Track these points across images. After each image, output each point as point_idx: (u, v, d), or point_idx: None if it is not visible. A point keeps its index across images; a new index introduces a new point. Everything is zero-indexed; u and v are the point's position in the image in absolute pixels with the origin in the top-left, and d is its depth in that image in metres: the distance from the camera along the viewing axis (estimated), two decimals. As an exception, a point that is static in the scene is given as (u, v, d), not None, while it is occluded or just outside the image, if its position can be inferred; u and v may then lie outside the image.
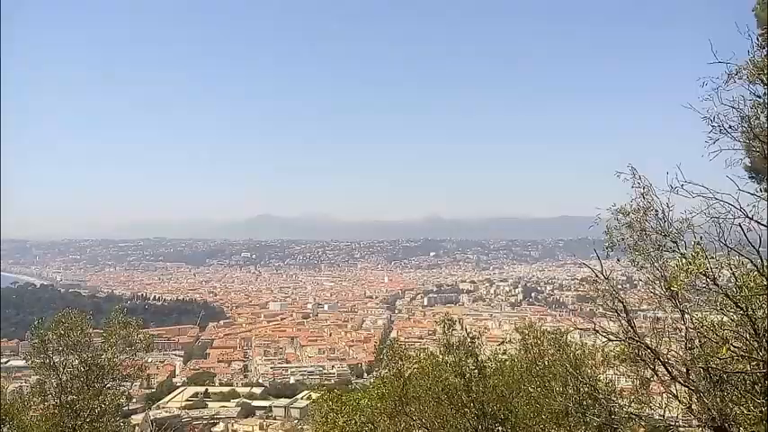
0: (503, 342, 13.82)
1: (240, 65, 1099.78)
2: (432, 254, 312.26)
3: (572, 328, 11.51)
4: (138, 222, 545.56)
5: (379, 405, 12.60)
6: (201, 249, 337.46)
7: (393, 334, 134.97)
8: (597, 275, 8.16)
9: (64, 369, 14.61)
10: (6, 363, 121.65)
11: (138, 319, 16.68)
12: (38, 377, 15.13)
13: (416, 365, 12.89)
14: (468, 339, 12.54)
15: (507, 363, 12.55)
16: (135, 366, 15.90)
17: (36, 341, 15.02)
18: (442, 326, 13.03)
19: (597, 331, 8.19)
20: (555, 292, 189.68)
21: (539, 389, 11.04)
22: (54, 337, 14.77)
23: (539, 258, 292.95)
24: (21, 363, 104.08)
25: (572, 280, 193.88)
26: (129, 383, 16.82)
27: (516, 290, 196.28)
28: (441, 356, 12.68)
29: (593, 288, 9.27)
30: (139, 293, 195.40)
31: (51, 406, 14.38)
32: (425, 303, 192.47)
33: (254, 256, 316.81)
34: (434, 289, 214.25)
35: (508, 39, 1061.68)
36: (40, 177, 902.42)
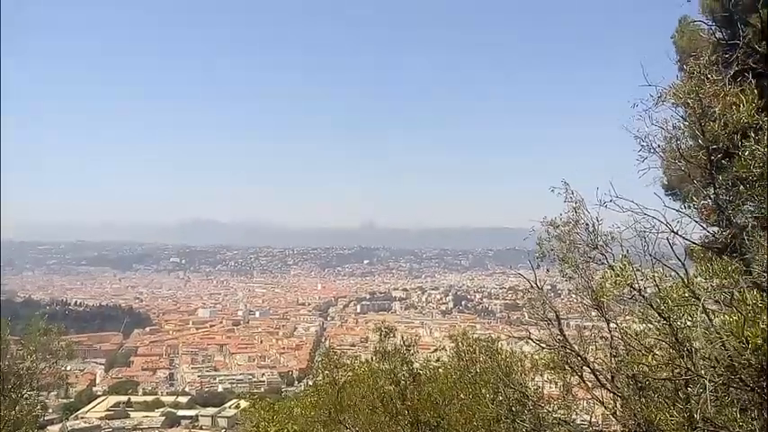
0: (436, 349, 14.03)
1: (188, 65, 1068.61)
2: (365, 261, 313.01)
3: (504, 336, 11.83)
4: (59, 224, 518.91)
5: (312, 413, 12.52)
6: (128, 254, 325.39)
7: (325, 341, 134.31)
8: (531, 285, 8.45)
9: (-24, 379, 13.77)
10: None
11: (58, 325, 15.93)
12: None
13: (351, 373, 12.88)
14: (404, 347, 12.68)
15: (441, 370, 12.74)
16: (55, 375, 15.19)
17: (-55, 349, 14.09)
18: (378, 333, 13.11)
19: (531, 339, 8.47)
20: (484, 300, 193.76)
21: (471, 396, 11.27)
22: (-33, 343, 13.92)
23: (469, 267, 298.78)
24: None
25: (500, 288, 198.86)
26: (47, 393, 16.00)
27: (447, 298, 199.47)
28: (376, 364, 12.74)
29: (524, 296, 9.60)
30: (59, 298, 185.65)
31: (-39, 417, 13.50)
32: (358, 311, 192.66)
33: (184, 261, 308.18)
34: (367, 296, 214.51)
35: (442, 47, 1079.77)
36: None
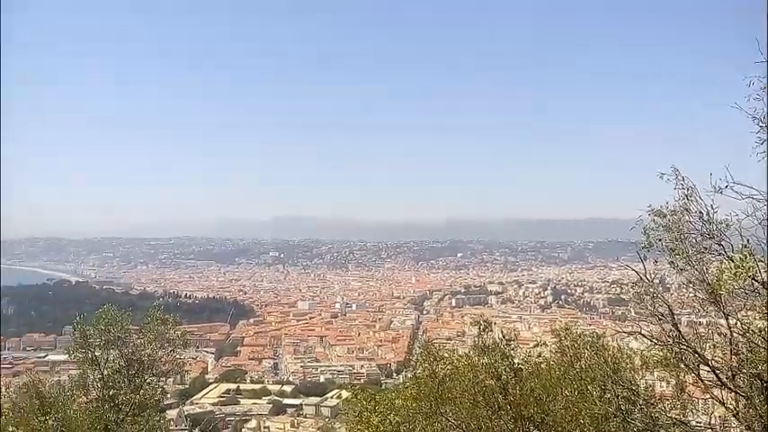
0: (537, 345, 13.70)
1: (268, 63, 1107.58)
2: (458, 255, 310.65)
3: (610, 332, 11.39)
4: (168, 221, 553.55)
5: (414, 405, 12.62)
6: (230, 248, 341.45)
7: (422, 334, 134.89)
8: (641, 277, 8.09)
9: (105, 363, 14.97)
10: (45, 357, 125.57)
11: (173, 316, 16.96)
12: (80, 371, 15.49)
13: (451, 366, 12.87)
14: (503, 341, 12.50)
15: (543, 366, 12.46)
16: (172, 362, 16.17)
17: (78, 336, 15.38)
18: (477, 327, 12.99)
19: (642, 334, 8.11)
20: (585, 294, 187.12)
21: (576, 392, 10.94)
22: (95, 332, 15.13)
23: (568, 260, 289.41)
24: (59, 357, 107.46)
25: (602, 282, 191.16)
26: (165, 379, 17.13)
27: (546, 292, 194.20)
28: (476, 358, 12.65)
29: (631, 290, 9.19)
30: (171, 291, 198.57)
31: (94, 399, 14.75)
32: (453, 304, 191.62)
33: (282, 255, 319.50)
34: (462, 290, 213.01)
35: (536, 35, 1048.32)
36: (69, 175, 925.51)
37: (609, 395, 9.32)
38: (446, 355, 13.61)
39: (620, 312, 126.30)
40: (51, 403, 14.61)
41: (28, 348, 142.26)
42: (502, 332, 13.33)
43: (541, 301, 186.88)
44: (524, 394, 11.49)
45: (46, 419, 14.10)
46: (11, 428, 14.79)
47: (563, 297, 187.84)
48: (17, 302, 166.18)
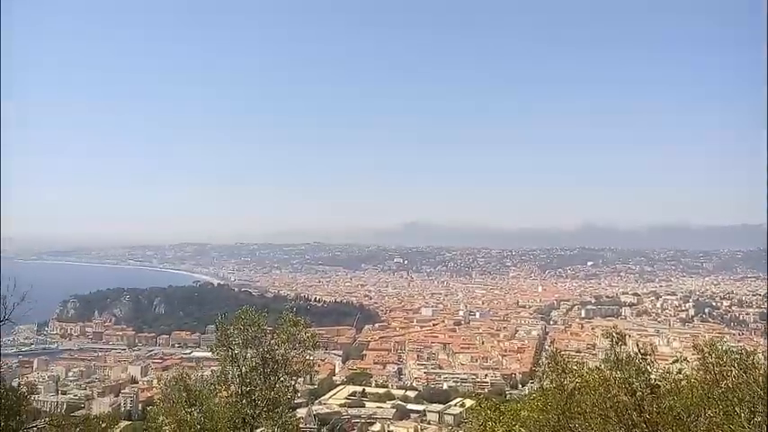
0: (675, 360, 12.76)
1: (398, 76, 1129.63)
2: (589, 263, 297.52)
3: (762, 350, 10.35)
4: (299, 228, 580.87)
5: (540, 417, 12.25)
6: (357, 254, 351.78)
7: (549, 346, 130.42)
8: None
9: (243, 361, 15.99)
10: (190, 353, 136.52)
11: (304, 318, 17.73)
12: (221, 367, 16.66)
13: (580, 379, 12.33)
14: (639, 355, 11.78)
15: (684, 383, 11.58)
16: (303, 363, 16.90)
17: (220, 334, 16.56)
18: (609, 339, 12.35)
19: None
20: (733, 308, 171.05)
21: (721, 413, 10.09)
22: (235, 331, 16.22)
23: (713, 271, 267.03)
24: (203, 354, 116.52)
25: (754, 295, 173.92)
26: (296, 378, 17.86)
27: (687, 305, 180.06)
28: (608, 371, 12.03)
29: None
30: (302, 294, 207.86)
31: (233, 394, 15.80)
32: (583, 315, 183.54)
33: (406, 261, 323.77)
34: (592, 300, 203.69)
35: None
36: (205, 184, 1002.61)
37: (759, 419, 8.49)
38: (575, 367, 13.07)
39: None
40: (196, 396, 15.86)
41: (176, 345, 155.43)
42: (637, 346, 12.58)
43: (682, 315, 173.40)
44: (662, 412, 10.74)
45: (192, 411, 15.35)
46: (161, 418, 16.22)
47: (707, 311, 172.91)
48: (167, 303, 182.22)
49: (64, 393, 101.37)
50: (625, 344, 12.67)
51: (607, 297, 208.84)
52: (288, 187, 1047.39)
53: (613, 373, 11.95)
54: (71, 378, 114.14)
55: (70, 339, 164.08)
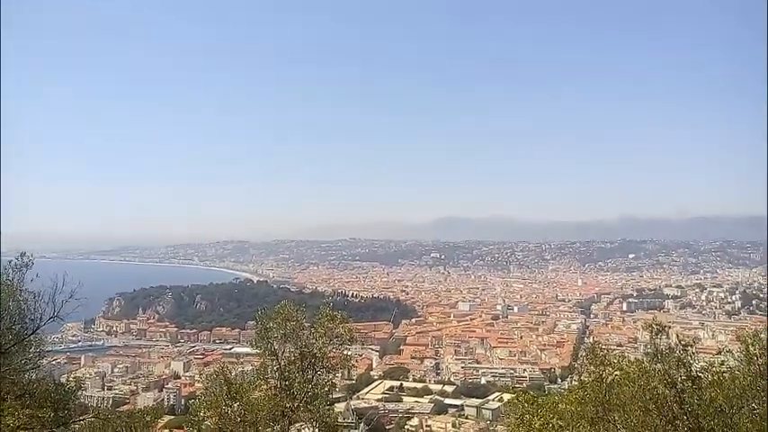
0: (719, 352, 12.48)
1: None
2: (630, 256, 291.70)
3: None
4: (336, 225, 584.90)
5: (578, 409, 12.12)
6: (393, 250, 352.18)
7: (589, 339, 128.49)
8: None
9: (282, 355, 16.23)
10: (231, 349, 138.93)
11: (341, 313, 17.87)
12: (261, 361, 16.94)
13: (620, 371, 12.17)
14: (680, 347, 11.55)
15: (726, 375, 11.31)
16: (341, 357, 17.06)
17: (259, 329, 16.84)
18: (649, 330, 12.15)
19: None
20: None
21: (765, 405, 9.84)
22: (274, 326, 16.46)
23: (761, 262, 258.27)
24: (243, 349, 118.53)
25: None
26: (334, 373, 18.02)
27: (733, 297, 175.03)
28: (647, 363, 11.84)
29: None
30: (339, 290, 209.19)
31: (272, 387, 16.06)
32: (624, 309, 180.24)
33: (442, 256, 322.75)
34: (634, 293, 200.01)
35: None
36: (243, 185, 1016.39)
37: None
38: (614, 359, 12.90)
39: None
40: (237, 390, 16.18)
41: (217, 341, 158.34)
42: (677, 337, 12.34)
43: (728, 307, 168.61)
44: (703, 405, 10.54)
45: (232, 404, 15.68)
46: (202, 411, 16.61)
47: (754, 303, 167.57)
48: (208, 299, 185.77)
49: (110, 389, 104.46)
50: (666, 335, 12.44)
51: (649, 290, 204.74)
52: (325, 184, 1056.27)
53: (653, 364, 11.76)
54: (117, 374, 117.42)
55: (116, 336, 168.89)
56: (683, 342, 12.07)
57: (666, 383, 11.00)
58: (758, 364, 10.86)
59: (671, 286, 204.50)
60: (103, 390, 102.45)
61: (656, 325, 12.56)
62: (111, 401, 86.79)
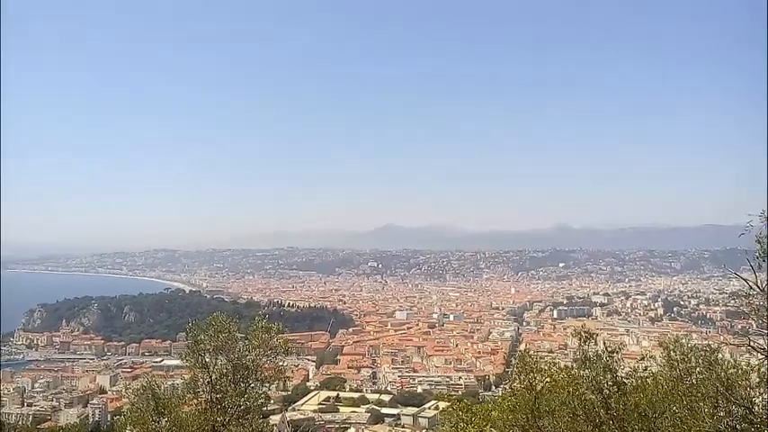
0: (642, 358, 13.00)
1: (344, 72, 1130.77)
2: (561, 264, 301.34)
3: (728, 346, 10.62)
4: (271, 233, 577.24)
5: (510, 417, 12.36)
6: (331, 259, 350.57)
7: (522, 347, 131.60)
8: (752, 287, 7.52)
9: (213, 368, 15.76)
10: (161, 362, 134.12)
11: (276, 324, 17.53)
12: (191, 374, 16.39)
13: (549, 379, 12.49)
14: (606, 353, 11.97)
15: (650, 380, 11.80)
16: (275, 369, 16.74)
17: (190, 342, 16.31)
18: (577, 338, 12.54)
19: (754, 348, 7.53)
20: (701, 306, 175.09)
21: (686, 409, 10.31)
22: (205, 338, 15.98)
23: (681, 270, 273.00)
24: (173, 362, 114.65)
25: (720, 294, 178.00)
26: (268, 385, 17.67)
27: (656, 304, 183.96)
28: (576, 370, 12.20)
29: (745, 303, 8.57)
30: (275, 300, 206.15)
31: (203, 402, 15.56)
32: (555, 316, 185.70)
33: (380, 265, 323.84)
34: (564, 301, 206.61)
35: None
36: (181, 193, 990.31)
37: (722, 413, 8.70)
38: (545, 367, 13.22)
39: (739, 327, 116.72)
40: (165, 404, 15.57)
41: (146, 354, 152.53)
42: (604, 344, 12.78)
43: (651, 314, 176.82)
44: (628, 409, 10.94)
45: (159, 420, 15.07)
46: (128, 428, 15.90)
47: (675, 309, 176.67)
48: (137, 310, 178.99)
49: (30, 405, 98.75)
50: (594, 342, 12.87)
51: (579, 298, 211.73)
52: (261, 192, 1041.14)
53: (582, 371, 12.13)
54: (37, 389, 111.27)
55: (36, 350, 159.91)
56: (609, 348, 12.53)
57: (594, 389, 11.37)
58: (679, 369, 11.38)
59: (598, 294, 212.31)
60: (23, 406, 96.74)
61: (585, 332, 13.00)
62: (31, 419, 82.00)
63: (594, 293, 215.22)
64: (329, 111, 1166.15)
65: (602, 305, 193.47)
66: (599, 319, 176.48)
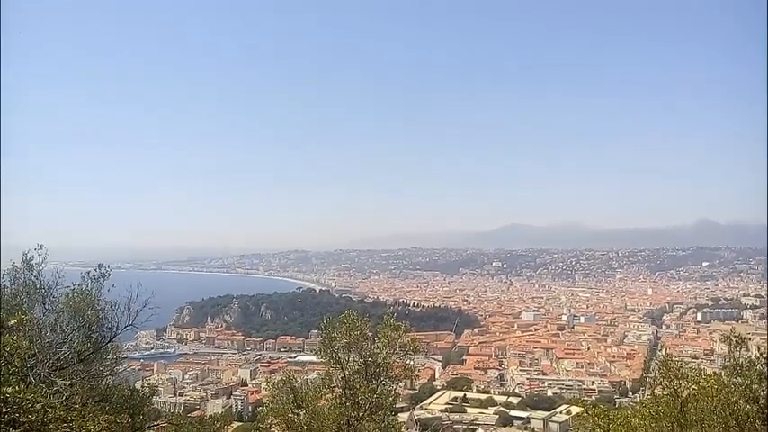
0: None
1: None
2: (704, 263, 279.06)
3: None
4: (397, 234, 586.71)
5: (653, 425, 11.67)
6: (454, 259, 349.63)
7: (662, 351, 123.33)
8: None
9: (346, 364, 16.36)
10: (295, 357, 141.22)
11: (404, 323, 17.82)
12: (326, 370, 17.11)
13: (696, 386, 11.64)
14: (762, 360, 10.95)
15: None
16: (403, 367, 17.03)
17: (324, 338, 17.03)
18: (727, 342, 11.58)
19: None
20: None
21: None
22: (338, 335, 16.62)
23: None
24: (307, 358, 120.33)
25: None
26: (397, 383, 17.96)
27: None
28: (726, 377, 11.28)
29: None
30: (400, 299, 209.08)
31: (338, 396, 16.21)
32: (699, 319, 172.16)
33: (504, 265, 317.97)
34: (710, 303, 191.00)
35: None
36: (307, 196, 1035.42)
37: None
38: (690, 373, 12.35)
39: None
40: (303, 398, 16.40)
41: (282, 349, 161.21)
42: (758, 349, 11.69)
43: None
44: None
45: (298, 412, 15.91)
46: (270, 419, 16.92)
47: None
48: (273, 308, 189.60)
49: (181, 395, 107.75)
50: (746, 348, 11.83)
51: (726, 299, 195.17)
52: (385, 194, 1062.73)
53: (733, 378, 11.20)
54: (187, 380, 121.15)
55: (186, 344, 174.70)
56: (764, 355, 11.45)
57: (748, 399, 10.45)
58: None
59: (749, 295, 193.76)
60: (175, 396, 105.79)
61: (735, 336, 11.99)
62: (182, 407, 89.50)
63: (744, 295, 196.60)
64: (451, 110, 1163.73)
65: (753, 307, 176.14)
66: (750, 322, 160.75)
